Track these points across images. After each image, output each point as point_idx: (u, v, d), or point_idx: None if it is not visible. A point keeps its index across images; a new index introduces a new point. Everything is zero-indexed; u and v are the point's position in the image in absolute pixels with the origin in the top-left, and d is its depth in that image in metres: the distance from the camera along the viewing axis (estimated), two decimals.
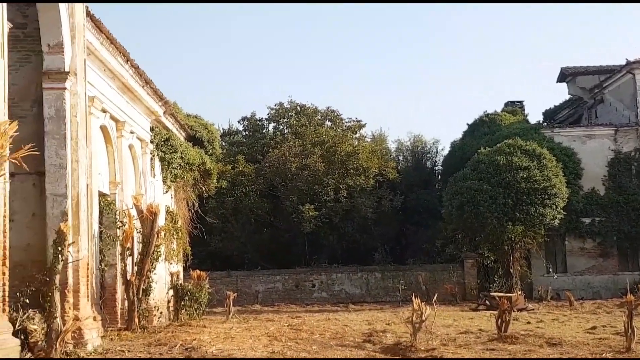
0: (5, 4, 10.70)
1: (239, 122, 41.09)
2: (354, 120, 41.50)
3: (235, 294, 25.09)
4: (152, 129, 24.05)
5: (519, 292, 24.33)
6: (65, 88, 14.43)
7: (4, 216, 10.93)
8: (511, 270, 27.19)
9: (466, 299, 29.32)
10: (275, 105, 41.06)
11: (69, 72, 14.56)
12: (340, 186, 35.88)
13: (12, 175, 11.71)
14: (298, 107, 41.08)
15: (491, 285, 28.30)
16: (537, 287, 29.34)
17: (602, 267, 30.24)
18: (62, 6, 14.37)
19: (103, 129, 18.96)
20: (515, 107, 37.87)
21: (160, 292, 22.30)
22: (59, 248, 12.88)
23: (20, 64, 14.11)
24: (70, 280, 13.84)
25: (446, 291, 27.81)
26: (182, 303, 21.40)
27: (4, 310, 10.85)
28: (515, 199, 26.52)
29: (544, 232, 27.74)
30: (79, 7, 15.19)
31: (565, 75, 36.37)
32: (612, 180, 30.31)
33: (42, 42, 14.51)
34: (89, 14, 16.18)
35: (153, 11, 77.57)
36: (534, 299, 28.23)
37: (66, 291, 13.71)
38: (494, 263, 28.89)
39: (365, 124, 40.82)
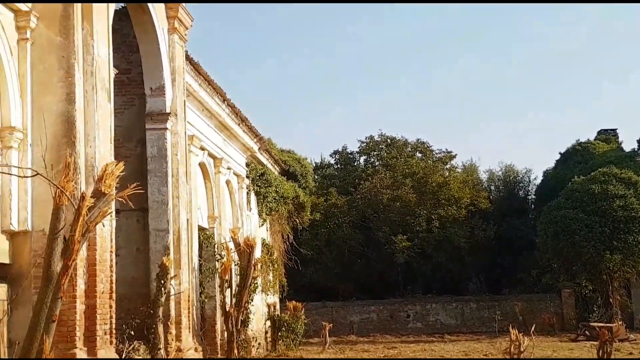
0: (111, 54, 11.84)
1: (330, 155, 43.39)
2: (444, 152, 42.80)
3: (331, 324, 25.74)
4: (247, 165, 25.22)
5: (620, 322, 24.57)
6: (166, 128, 15.60)
7: (111, 251, 11.84)
8: (611, 300, 27.63)
9: (565, 330, 29.09)
10: (365, 139, 42.98)
11: (169, 113, 15.67)
12: (432, 216, 36.74)
13: (117, 212, 12.56)
14: (388, 140, 42.58)
15: (590, 315, 28.46)
16: (638, 317, 29.44)
17: None
18: (164, 51, 15.69)
19: (202, 165, 20.10)
20: (608, 135, 38.57)
21: (257, 323, 23.31)
22: (162, 281, 13.99)
23: (125, 107, 15.34)
24: (173, 312, 14.84)
25: (544, 321, 27.60)
26: (279, 334, 22.53)
27: (111, 342, 11.67)
28: (612, 228, 26.80)
29: None
30: (179, 52, 16.45)
31: None
32: None
33: (145, 85, 15.83)
34: (187, 58, 17.20)
35: (247, 49, 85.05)
36: (635, 329, 28.11)
37: (169, 323, 14.64)
38: (592, 292, 29.01)
39: (456, 154, 42.18)
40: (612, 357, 14.27)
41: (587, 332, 24.08)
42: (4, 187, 11.12)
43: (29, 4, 10.19)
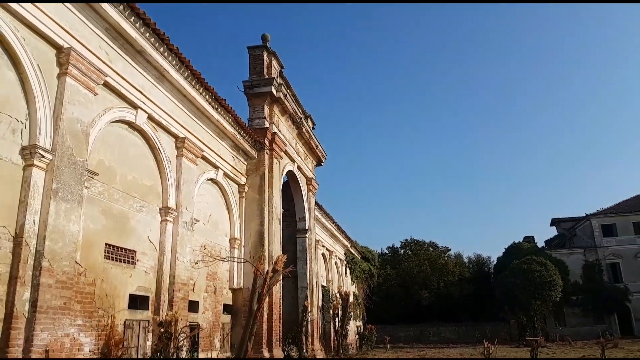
0: (280, 202, 18.19)
1: (386, 248, 63.67)
2: (444, 247, 62.12)
3: (389, 337, 37.68)
4: (345, 254, 34.09)
5: (541, 337, 34.88)
6: (306, 237, 21.40)
7: (279, 298, 16.63)
8: (535, 325, 42.28)
9: (512, 341, 41.79)
10: (403, 240, 62.92)
11: (308, 229, 21.47)
12: (440, 281, 55.70)
13: (283, 278, 16.69)
14: (415, 240, 62.42)
15: (526, 333, 40.77)
16: (551, 334, 43.01)
17: (585, 322, 45.82)
18: (305, 199, 21.59)
19: (323, 254, 27.47)
20: (529, 239, 56.46)
21: (351, 336, 31.00)
22: (304, 313, 19.42)
23: (285, 227, 20.36)
24: (309, 330, 20.01)
25: (501, 337, 40.73)
26: (362, 342, 32.38)
27: (279, 346, 16.22)
28: (534, 287, 41.60)
29: (551, 304, 42.13)
30: (312, 200, 22.22)
31: (554, 222, 58.08)
32: (585, 276, 47.99)
33: (296, 216, 21.67)
34: (316, 203, 23.82)
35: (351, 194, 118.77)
36: (549, 340, 39.30)
37: (307, 335, 19.57)
38: (525, 321, 42.90)
39: (450, 248, 62.33)
40: (538, 356, 22.08)
41: (525, 342, 33.37)
42: (231, 267, 15.49)
43: (244, 180, 16.74)
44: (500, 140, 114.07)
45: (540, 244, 59.36)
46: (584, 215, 50.86)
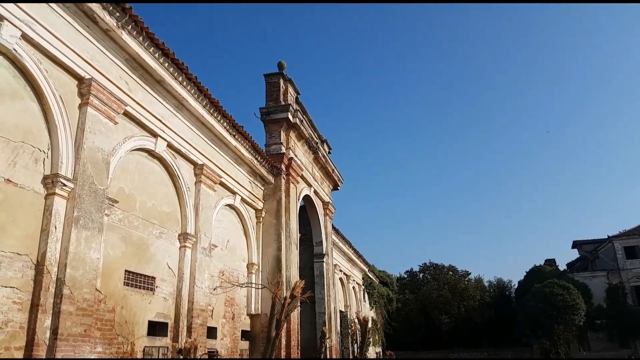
0: (297, 227, 18.11)
1: (405, 272, 63.35)
2: (464, 270, 61.07)
3: None
4: (362, 278, 33.89)
5: None
6: (323, 261, 21.20)
7: (297, 324, 16.53)
8: (559, 350, 40.75)
9: None
10: (422, 264, 62.27)
11: (325, 254, 21.30)
12: (460, 305, 54.56)
13: (301, 304, 16.65)
14: (434, 264, 61.46)
15: (550, 358, 39.67)
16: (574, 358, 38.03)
17: (609, 347, 44.46)
18: (322, 224, 21.50)
19: (341, 279, 27.34)
20: (550, 261, 55.51)
21: None
22: (322, 339, 19.27)
23: (302, 251, 20.32)
24: (328, 355, 19.87)
25: None
26: None
27: None
28: (556, 312, 40.33)
29: (575, 328, 40.68)
30: (329, 224, 22.23)
31: (576, 244, 56.29)
32: (609, 299, 46.40)
33: (313, 240, 21.54)
34: (333, 227, 23.79)
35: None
36: None
37: None
38: (549, 346, 41.94)
39: (470, 272, 61.24)
40: None
41: None
42: (249, 292, 15.39)
43: (261, 205, 16.79)
44: (521, 162, 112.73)
45: (562, 266, 58.07)
46: (606, 237, 49.62)
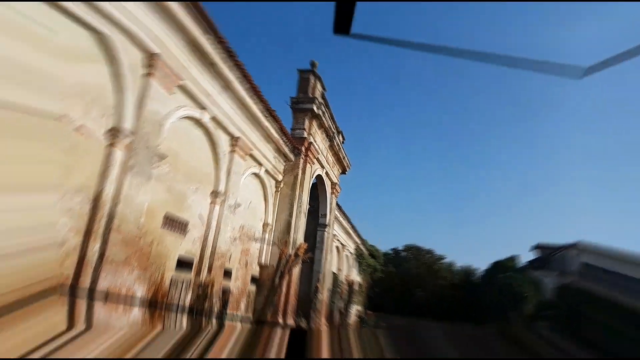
0: (307, 200, 17.79)
1: (391, 249, 62.36)
2: (439, 254, 59.05)
3: (385, 324, 34.13)
4: (355, 249, 33.62)
5: None
6: (325, 231, 21.05)
7: (297, 278, 16.52)
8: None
9: None
10: (406, 245, 61.60)
11: (327, 224, 21.13)
12: (433, 283, 54.22)
13: (302, 262, 16.91)
14: (416, 246, 60.25)
15: None
16: None
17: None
18: (328, 200, 21.12)
19: (337, 247, 27.31)
20: (513, 257, 53.00)
21: (353, 317, 30.42)
22: (315, 293, 19.18)
23: (309, 221, 20.03)
24: (318, 307, 19.74)
25: None
26: (362, 323, 30.81)
27: (292, 316, 16.02)
28: (510, 297, 39.85)
29: (526, 316, 37.71)
30: (334, 201, 22.02)
31: (536, 247, 52.93)
32: (559, 294, 42.51)
33: (319, 212, 21.26)
34: (337, 204, 23.55)
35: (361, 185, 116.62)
36: None
37: (316, 311, 19.22)
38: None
39: (445, 257, 59.81)
40: None
41: None
42: (261, 246, 15.49)
43: (280, 177, 16.48)
44: (518, 167, 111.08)
45: (524, 263, 57.05)
46: (562, 243, 49.76)
